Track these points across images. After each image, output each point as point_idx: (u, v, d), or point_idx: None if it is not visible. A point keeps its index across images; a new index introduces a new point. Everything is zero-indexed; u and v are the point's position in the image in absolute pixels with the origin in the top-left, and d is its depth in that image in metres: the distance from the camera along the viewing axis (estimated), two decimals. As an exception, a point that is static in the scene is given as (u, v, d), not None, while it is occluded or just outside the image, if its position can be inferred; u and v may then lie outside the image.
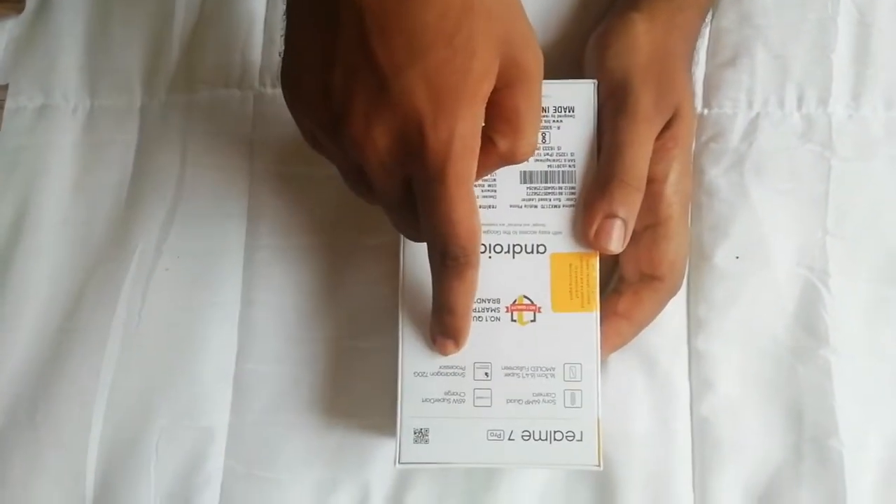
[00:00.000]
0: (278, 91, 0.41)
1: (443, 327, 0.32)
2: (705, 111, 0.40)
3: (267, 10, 0.42)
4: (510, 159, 0.29)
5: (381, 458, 0.37)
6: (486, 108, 0.28)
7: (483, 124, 0.28)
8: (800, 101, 0.39)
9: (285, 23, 0.29)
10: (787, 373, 0.36)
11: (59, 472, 0.37)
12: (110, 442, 0.37)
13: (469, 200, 0.28)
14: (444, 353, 0.33)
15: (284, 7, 0.29)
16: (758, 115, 0.39)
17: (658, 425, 0.36)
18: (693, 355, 0.37)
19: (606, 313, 0.34)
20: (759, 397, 0.36)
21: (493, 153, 0.29)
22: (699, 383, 0.37)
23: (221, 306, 0.39)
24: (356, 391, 0.38)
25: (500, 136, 0.28)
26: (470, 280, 0.30)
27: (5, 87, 0.42)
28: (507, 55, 0.27)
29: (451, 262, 0.29)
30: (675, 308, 0.37)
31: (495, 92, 0.28)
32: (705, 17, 0.39)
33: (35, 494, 0.37)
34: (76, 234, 0.41)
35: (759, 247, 0.38)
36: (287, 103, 0.29)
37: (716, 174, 0.39)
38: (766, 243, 0.38)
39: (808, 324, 0.37)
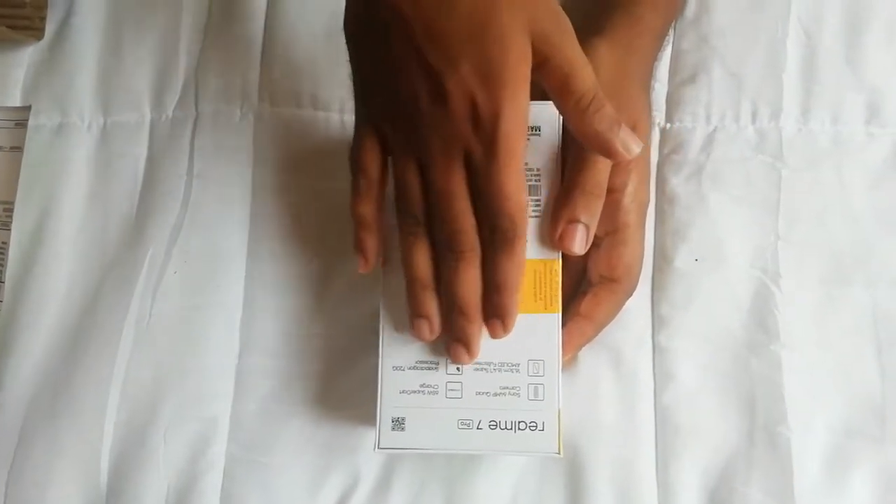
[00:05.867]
0: (276, 109, 0.43)
1: (492, 307, 0.33)
2: (668, 125, 0.42)
3: (265, 35, 0.45)
4: (582, 113, 0.32)
5: (369, 446, 0.38)
6: (545, 83, 0.32)
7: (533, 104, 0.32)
8: (753, 116, 0.41)
9: (348, 49, 0.35)
10: (742, 366, 0.38)
11: (76, 457, 0.39)
12: (123, 429, 0.39)
13: (518, 176, 0.32)
14: (493, 334, 0.34)
15: (344, 38, 0.35)
16: (715, 128, 0.41)
17: (624, 414, 0.38)
18: (657, 350, 0.39)
19: (570, 314, 0.36)
20: (716, 388, 0.38)
21: (568, 112, 0.33)
22: (662, 376, 0.38)
23: (225, 306, 0.41)
24: (347, 384, 0.39)
25: (563, 102, 0.32)
26: (519, 254, 0.33)
27: (28, 108, 0.45)
28: (537, 34, 0.31)
29: (499, 236, 0.32)
30: (640, 307, 0.39)
31: (539, 69, 0.32)
32: (662, 42, 0.41)
33: (55, 477, 0.38)
34: (92, 240, 0.43)
35: (716, 250, 0.40)
36: (361, 115, 0.35)
37: (676, 183, 0.41)
38: (723, 247, 0.40)
39: (761, 321, 0.39)
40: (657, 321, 0.39)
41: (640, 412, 0.38)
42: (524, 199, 0.33)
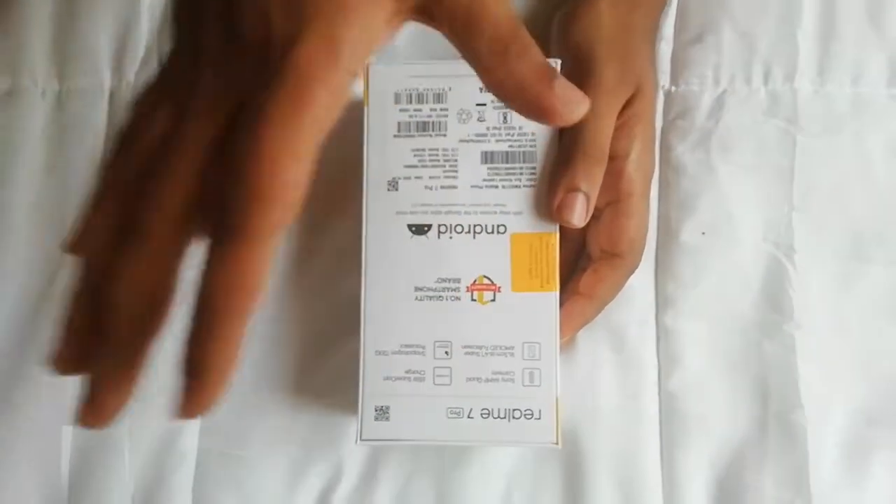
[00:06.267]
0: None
1: (188, 349, 0.21)
2: (673, 88, 0.40)
3: None
4: (499, 58, 0.22)
5: (352, 436, 0.36)
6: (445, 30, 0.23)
7: (365, 46, 0.22)
8: (766, 77, 0.39)
9: None
10: (753, 348, 0.37)
11: (34, 456, 0.37)
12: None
13: (295, 138, 0.20)
14: (180, 414, 0.21)
15: None
16: (724, 91, 0.39)
17: (626, 401, 0.37)
18: (661, 331, 0.37)
19: (568, 292, 0.34)
20: (726, 372, 0.37)
21: (479, 61, 0.23)
22: (667, 359, 0.37)
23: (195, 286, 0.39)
24: (327, 370, 0.38)
25: (469, 48, 0.23)
26: (245, 260, 0.20)
27: (-29, 70, 0.42)
28: None
29: (223, 222, 0.20)
30: (643, 285, 0.38)
31: (429, 10, 0.23)
32: None
33: (11, 478, 0.37)
34: (48, 217, 0.40)
35: (725, 223, 0.38)
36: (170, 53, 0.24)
37: (683, 151, 0.39)
38: (733, 219, 0.38)
39: (774, 299, 0.37)
40: (661, 300, 0.38)
41: (644, 399, 0.37)
42: (290, 176, 0.20)
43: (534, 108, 0.23)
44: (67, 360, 0.22)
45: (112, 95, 0.42)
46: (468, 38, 0.23)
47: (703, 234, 0.38)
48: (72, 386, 0.35)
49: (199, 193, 0.21)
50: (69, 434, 0.37)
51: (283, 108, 0.20)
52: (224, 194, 0.20)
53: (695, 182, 0.38)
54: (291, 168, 0.20)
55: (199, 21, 0.22)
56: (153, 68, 0.40)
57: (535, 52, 0.23)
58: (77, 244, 0.22)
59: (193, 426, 0.37)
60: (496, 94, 0.24)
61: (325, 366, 0.38)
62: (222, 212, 0.20)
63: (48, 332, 0.37)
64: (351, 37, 0.21)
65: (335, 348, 0.38)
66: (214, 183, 0.21)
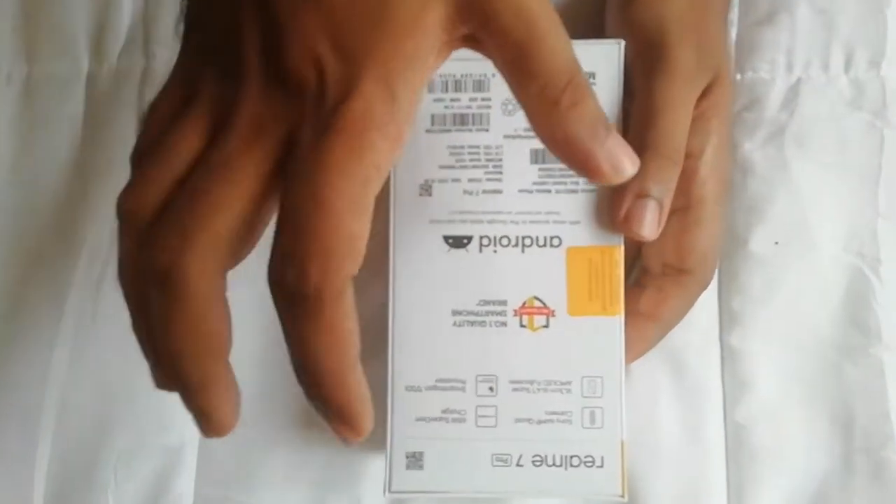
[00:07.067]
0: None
1: (315, 402, 0.23)
2: (738, 76, 0.37)
3: None
4: (551, 107, 0.22)
5: (373, 477, 0.34)
6: (493, 60, 0.23)
7: (417, 95, 0.22)
8: (847, 63, 0.36)
9: None
10: (834, 373, 0.34)
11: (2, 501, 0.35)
12: (60, 468, 0.35)
13: (354, 190, 0.21)
14: (341, 440, 0.24)
15: None
16: (799, 79, 0.36)
17: (688, 434, 0.34)
18: (726, 354, 0.35)
19: (628, 313, 0.32)
20: (803, 401, 0.34)
21: (528, 103, 0.23)
22: (734, 385, 0.34)
23: None
24: None
25: (519, 87, 0.23)
26: (328, 324, 0.21)
27: (-74, 55, 0.39)
28: None
29: (295, 292, 0.21)
30: (706, 301, 0.35)
31: (477, 38, 0.22)
32: None
33: None
34: (16, 223, 0.38)
35: (801, 230, 0.35)
36: (179, 56, 0.25)
37: (751, 148, 0.36)
38: (810, 226, 0.35)
39: (858, 318, 0.34)
40: (727, 317, 0.35)
41: (708, 432, 0.34)
42: (354, 229, 0.21)
43: (579, 165, 0.23)
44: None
45: (90, 82, 0.39)
46: (518, 76, 0.23)
47: (776, 243, 0.35)
48: (40, 427, 0.36)
49: (248, 229, 0.22)
50: (41, 482, 0.35)
51: (343, 159, 0.21)
52: (282, 251, 0.21)
53: (765, 183, 0.36)
54: (354, 221, 0.21)
55: (238, 49, 0.22)
56: (138, 51, 0.39)
57: (591, 101, 0.22)
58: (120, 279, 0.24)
59: (189, 468, 0.35)
60: (541, 140, 0.23)
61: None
62: (289, 273, 0.21)
63: (13, 365, 0.35)
64: (406, 78, 0.22)
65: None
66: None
